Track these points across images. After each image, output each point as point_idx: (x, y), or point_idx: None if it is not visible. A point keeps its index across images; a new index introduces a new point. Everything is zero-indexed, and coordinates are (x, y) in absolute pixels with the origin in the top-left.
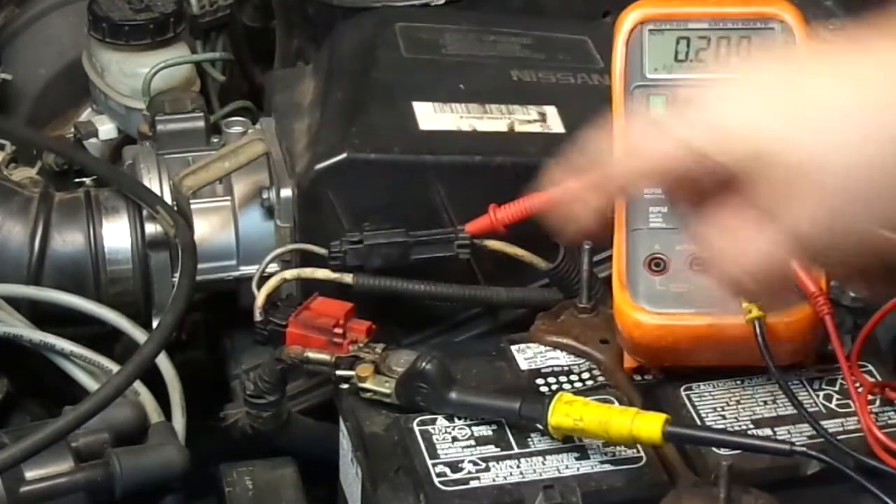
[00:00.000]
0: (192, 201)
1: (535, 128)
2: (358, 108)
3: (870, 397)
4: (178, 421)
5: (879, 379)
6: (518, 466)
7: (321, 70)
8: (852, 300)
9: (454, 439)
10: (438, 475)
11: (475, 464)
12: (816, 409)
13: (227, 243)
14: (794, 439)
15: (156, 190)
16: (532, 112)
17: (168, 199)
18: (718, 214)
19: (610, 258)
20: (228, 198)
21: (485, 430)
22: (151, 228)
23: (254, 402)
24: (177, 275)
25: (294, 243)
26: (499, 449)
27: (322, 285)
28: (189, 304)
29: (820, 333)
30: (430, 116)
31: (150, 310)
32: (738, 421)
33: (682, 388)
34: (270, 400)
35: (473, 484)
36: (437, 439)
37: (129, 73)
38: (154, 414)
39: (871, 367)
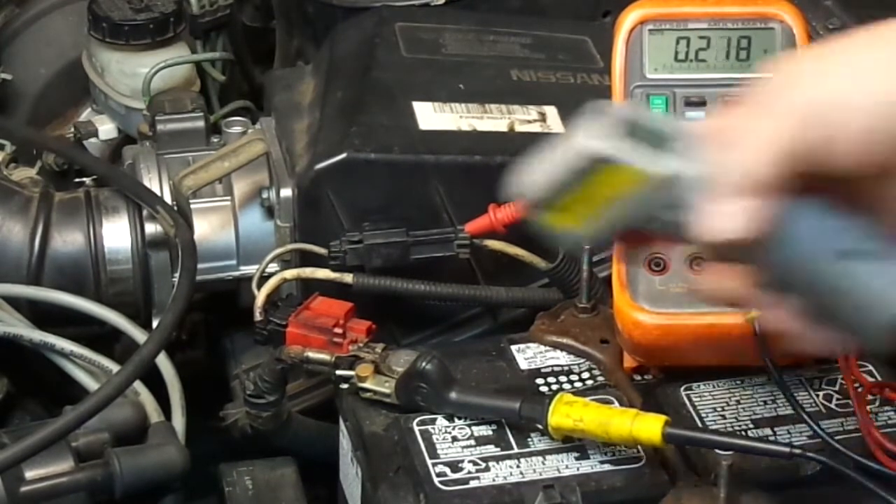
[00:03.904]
0: (192, 201)
1: (535, 128)
2: (358, 108)
3: (869, 397)
4: (178, 421)
5: (879, 379)
6: (518, 466)
7: (321, 70)
8: None
9: (454, 439)
10: (438, 475)
11: (475, 464)
12: (816, 409)
13: (227, 243)
14: (793, 439)
15: (156, 190)
16: (532, 112)
17: (168, 199)
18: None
19: (610, 258)
20: (228, 198)
21: (485, 430)
22: (151, 228)
23: (254, 402)
24: (177, 275)
25: (294, 243)
26: (499, 449)
27: (322, 285)
28: (189, 304)
29: None
30: (430, 116)
31: (150, 310)
32: (738, 421)
33: (682, 388)
34: (270, 400)
35: (473, 484)
36: (437, 439)
37: (129, 73)
38: (154, 414)
39: (871, 367)
